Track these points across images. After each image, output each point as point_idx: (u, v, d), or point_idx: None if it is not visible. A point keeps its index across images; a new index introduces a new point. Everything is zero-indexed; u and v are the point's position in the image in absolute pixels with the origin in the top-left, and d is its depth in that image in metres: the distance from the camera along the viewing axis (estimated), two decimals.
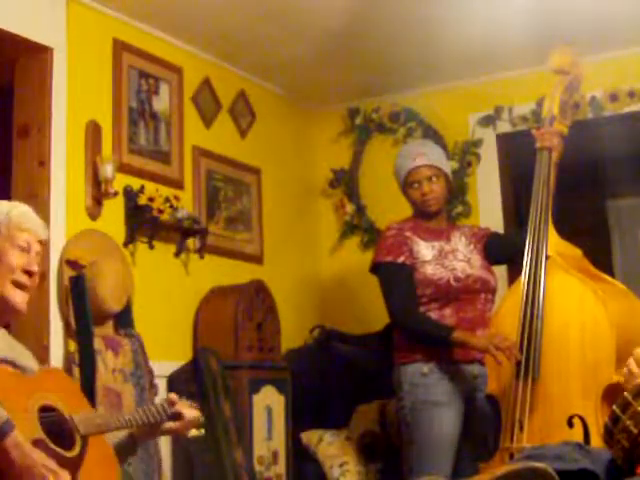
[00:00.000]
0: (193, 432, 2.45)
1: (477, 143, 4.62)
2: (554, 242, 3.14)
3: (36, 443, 1.95)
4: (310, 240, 4.92)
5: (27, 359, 2.26)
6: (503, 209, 4.56)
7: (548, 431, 2.89)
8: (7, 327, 2.35)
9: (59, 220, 3.40)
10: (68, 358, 3.33)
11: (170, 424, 2.40)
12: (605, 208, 6.41)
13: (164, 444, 3.63)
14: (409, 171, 3.54)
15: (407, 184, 3.56)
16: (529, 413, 2.95)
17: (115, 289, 3.44)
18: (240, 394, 3.81)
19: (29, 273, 2.25)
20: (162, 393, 3.68)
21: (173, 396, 2.43)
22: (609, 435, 2.07)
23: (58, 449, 2.00)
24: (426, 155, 3.57)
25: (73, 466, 2.04)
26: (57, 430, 2.04)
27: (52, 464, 1.95)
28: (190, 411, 2.43)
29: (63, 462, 2.00)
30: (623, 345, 2.82)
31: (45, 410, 2.04)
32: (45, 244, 2.40)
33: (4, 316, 2.29)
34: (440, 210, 3.59)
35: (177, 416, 2.39)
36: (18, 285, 2.23)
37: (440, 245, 3.50)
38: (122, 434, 2.38)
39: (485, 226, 3.89)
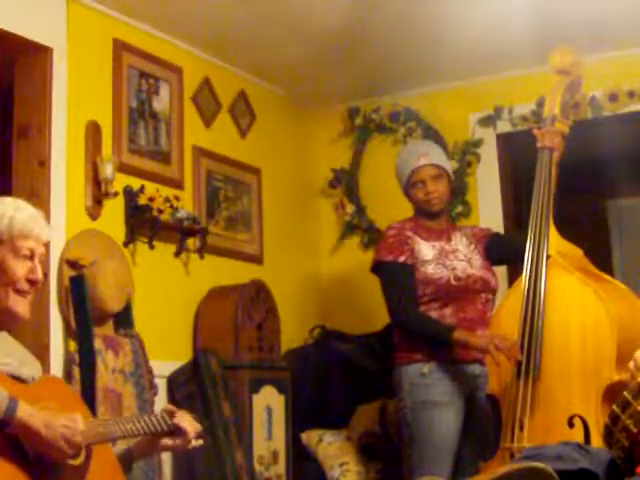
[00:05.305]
0: (193, 442, 2.39)
1: (477, 143, 4.62)
2: (555, 242, 3.14)
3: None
4: (310, 240, 4.91)
5: (27, 364, 2.22)
6: (503, 209, 4.56)
7: (548, 431, 2.89)
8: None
9: (59, 220, 3.39)
10: (68, 358, 3.33)
11: (170, 441, 2.34)
12: (605, 208, 6.40)
13: None
14: (413, 171, 3.54)
15: (410, 184, 3.56)
16: (530, 413, 2.95)
17: (115, 289, 3.44)
18: (240, 394, 3.81)
19: (33, 282, 2.19)
20: (162, 393, 3.69)
21: (171, 407, 2.39)
22: (609, 434, 2.08)
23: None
24: (429, 155, 3.57)
25: (79, 475, 2.03)
26: None
27: (66, 418, 1.98)
28: (191, 424, 2.37)
29: (69, 470, 1.99)
30: (624, 345, 2.82)
31: None
32: (47, 245, 2.36)
33: (7, 324, 2.24)
34: (442, 210, 3.59)
35: (178, 430, 2.33)
36: (21, 293, 2.18)
37: (441, 245, 3.50)
38: (119, 448, 2.35)
39: (485, 226, 3.89)
